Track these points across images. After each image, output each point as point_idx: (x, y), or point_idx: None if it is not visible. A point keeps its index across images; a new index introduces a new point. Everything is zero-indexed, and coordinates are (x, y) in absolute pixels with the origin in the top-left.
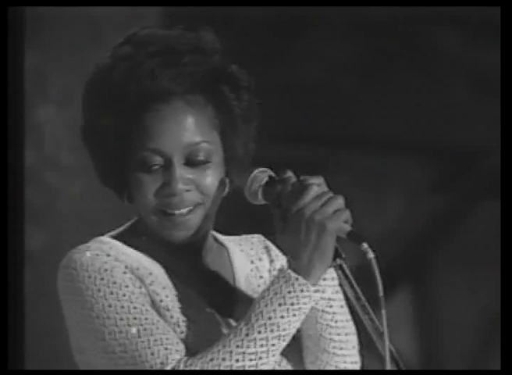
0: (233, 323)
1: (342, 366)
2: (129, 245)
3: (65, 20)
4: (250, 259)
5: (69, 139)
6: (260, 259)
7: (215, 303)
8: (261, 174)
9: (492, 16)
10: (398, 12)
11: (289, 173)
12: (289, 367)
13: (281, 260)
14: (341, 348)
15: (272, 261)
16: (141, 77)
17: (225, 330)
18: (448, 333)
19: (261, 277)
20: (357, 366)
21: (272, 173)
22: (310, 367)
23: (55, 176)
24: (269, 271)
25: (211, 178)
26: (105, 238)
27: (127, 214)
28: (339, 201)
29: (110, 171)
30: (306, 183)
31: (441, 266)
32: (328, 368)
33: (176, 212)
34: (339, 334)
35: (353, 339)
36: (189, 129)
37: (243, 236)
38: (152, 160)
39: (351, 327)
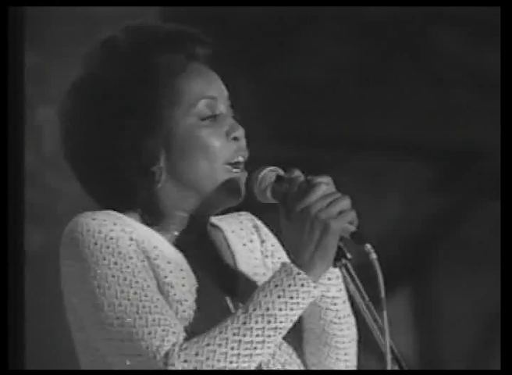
0: (235, 304)
1: (342, 358)
2: (136, 220)
3: (65, 20)
4: (242, 242)
5: None
6: (251, 241)
7: (219, 283)
8: (271, 173)
9: (492, 16)
10: (398, 12)
11: (298, 173)
12: (289, 351)
13: (271, 240)
14: (343, 342)
15: (262, 241)
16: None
17: (227, 311)
18: (448, 333)
19: (255, 259)
20: (355, 358)
21: (281, 172)
22: (310, 357)
23: (55, 177)
24: (261, 252)
25: None
26: (112, 211)
27: None
28: (346, 202)
29: (149, 149)
30: (313, 182)
31: (441, 266)
32: (328, 359)
33: (241, 159)
34: (341, 330)
35: (354, 331)
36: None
37: (230, 214)
38: (213, 107)
39: (352, 320)
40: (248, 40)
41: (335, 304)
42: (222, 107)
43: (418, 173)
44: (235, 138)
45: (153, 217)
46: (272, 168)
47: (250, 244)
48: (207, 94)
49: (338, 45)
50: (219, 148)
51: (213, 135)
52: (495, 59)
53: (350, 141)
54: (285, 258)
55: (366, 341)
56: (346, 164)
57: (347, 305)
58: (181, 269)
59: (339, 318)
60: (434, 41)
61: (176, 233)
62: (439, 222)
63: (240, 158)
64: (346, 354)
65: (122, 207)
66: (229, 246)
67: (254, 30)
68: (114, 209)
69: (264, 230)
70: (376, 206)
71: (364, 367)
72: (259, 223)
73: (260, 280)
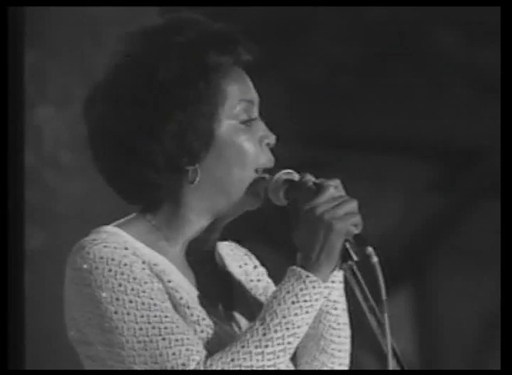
0: (245, 322)
1: (337, 367)
2: (141, 241)
3: (65, 20)
4: (237, 264)
5: (69, 139)
6: (246, 264)
7: (227, 302)
8: (285, 175)
9: (492, 15)
10: (398, 12)
11: (309, 176)
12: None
13: (260, 266)
14: (339, 350)
15: (255, 266)
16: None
17: (240, 328)
18: (448, 334)
19: (251, 281)
20: (346, 368)
21: (294, 175)
22: (304, 367)
23: (54, 176)
24: (256, 275)
25: None
26: (119, 231)
27: (128, 214)
28: (352, 205)
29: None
30: (322, 185)
31: (441, 266)
32: (324, 368)
33: (269, 166)
34: (339, 336)
35: (349, 343)
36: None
37: (219, 242)
38: (250, 112)
39: (349, 331)
40: (249, 40)
41: (335, 308)
42: (256, 111)
43: (418, 173)
44: (267, 144)
45: (169, 221)
46: (287, 171)
47: (245, 267)
48: (246, 97)
49: (338, 45)
50: (253, 155)
51: (249, 141)
52: (495, 59)
53: (350, 141)
54: (271, 284)
55: (363, 341)
56: (346, 164)
57: (346, 313)
58: (192, 291)
59: (339, 324)
60: (434, 41)
61: (183, 245)
62: (439, 222)
63: (269, 165)
64: (340, 364)
65: (146, 203)
66: (225, 266)
67: (254, 31)
68: (136, 204)
69: (253, 256)
70: (376, 206)
71: (364, 367)
72: (246, 250)
73: (257, 299)
